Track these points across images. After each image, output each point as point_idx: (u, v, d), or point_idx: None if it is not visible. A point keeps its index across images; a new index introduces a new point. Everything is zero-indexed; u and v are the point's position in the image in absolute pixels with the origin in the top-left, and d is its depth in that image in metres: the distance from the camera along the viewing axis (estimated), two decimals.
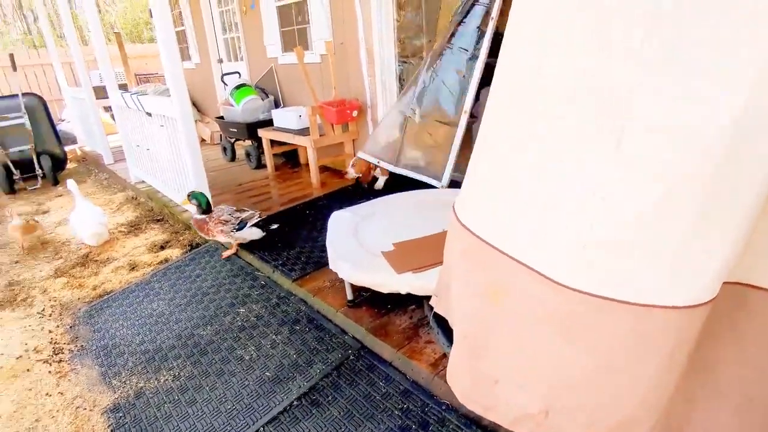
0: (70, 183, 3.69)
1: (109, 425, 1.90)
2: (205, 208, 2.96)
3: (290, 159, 5.15)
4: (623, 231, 1.00)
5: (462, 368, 1.46)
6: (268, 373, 2.03)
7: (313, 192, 4.12)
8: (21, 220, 3.46)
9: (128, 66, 7.81)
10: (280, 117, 4.63)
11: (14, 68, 5.35)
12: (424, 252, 2.19)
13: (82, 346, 2.43)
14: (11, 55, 5.49)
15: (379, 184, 3.69)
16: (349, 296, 2.34)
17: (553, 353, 1.21)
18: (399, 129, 3.70)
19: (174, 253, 3.30)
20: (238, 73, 5.57)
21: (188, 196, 2.97)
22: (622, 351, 1.11)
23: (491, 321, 1.35)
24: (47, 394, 2.11)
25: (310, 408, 1.83)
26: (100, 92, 5.84)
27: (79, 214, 3.52)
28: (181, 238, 3.55)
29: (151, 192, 4.42)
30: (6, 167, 5.18)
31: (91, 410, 1.99)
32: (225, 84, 5.39)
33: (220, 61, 6.36)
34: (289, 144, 4.64)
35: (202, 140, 6.78)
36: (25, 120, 5.17)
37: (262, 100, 5.05)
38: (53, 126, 5.61)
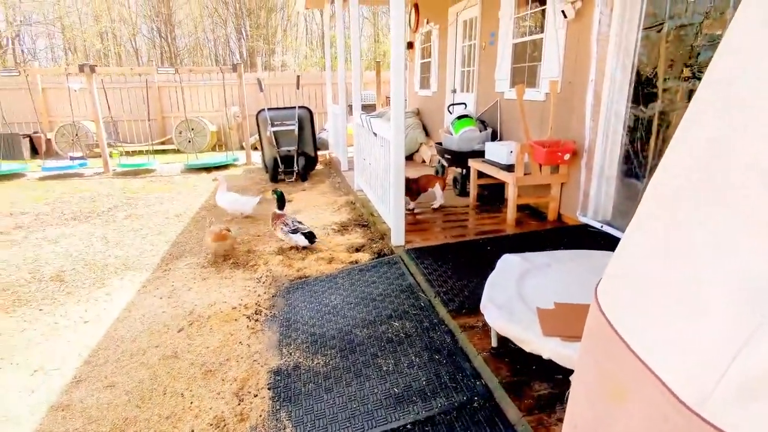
0: (220, 175, 5.38)
1: (269, 382, 2.32)
2: (279, 205, 3.96)
3: (495, 192, 5.18)
4: None
5: None
6: (396, 389, 2.14)
7: (506, 229, 4.07)
8: (216, 228, 3.82)
9: (380, 90, 9.07)
10: (491, 150, 4.71)
11: (297, 87, 6.87)
12: (584, 320, 1.97)
13: (274, 314, 3.00)
14: (298, 77, 7.06)
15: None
16: (494, 343, 2.27)
17: None
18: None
19: (364, 257, 3.74)
20: (464, 104, 5.89)
21: (272, 191, 4.08)
22: None
23: (607, 422, 1.15)
24: (240, 342, 2.68)
25: None
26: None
27: (227, 197, 4.99)
28: (374, 245, 3.98)
29: (364, 200, 5.08)
30: (276, 161, 6.68)
31: (261, 366, 2.46)
32: (450, 112, 5.77)
33: (454, 91, 6.82)
34: (494, 177, 4.68)
35: (423, 161, 7.38)
36: (295, 127, 6.58)
37: (480, 131, 5.22)
38: (314, 133, 6.97)
